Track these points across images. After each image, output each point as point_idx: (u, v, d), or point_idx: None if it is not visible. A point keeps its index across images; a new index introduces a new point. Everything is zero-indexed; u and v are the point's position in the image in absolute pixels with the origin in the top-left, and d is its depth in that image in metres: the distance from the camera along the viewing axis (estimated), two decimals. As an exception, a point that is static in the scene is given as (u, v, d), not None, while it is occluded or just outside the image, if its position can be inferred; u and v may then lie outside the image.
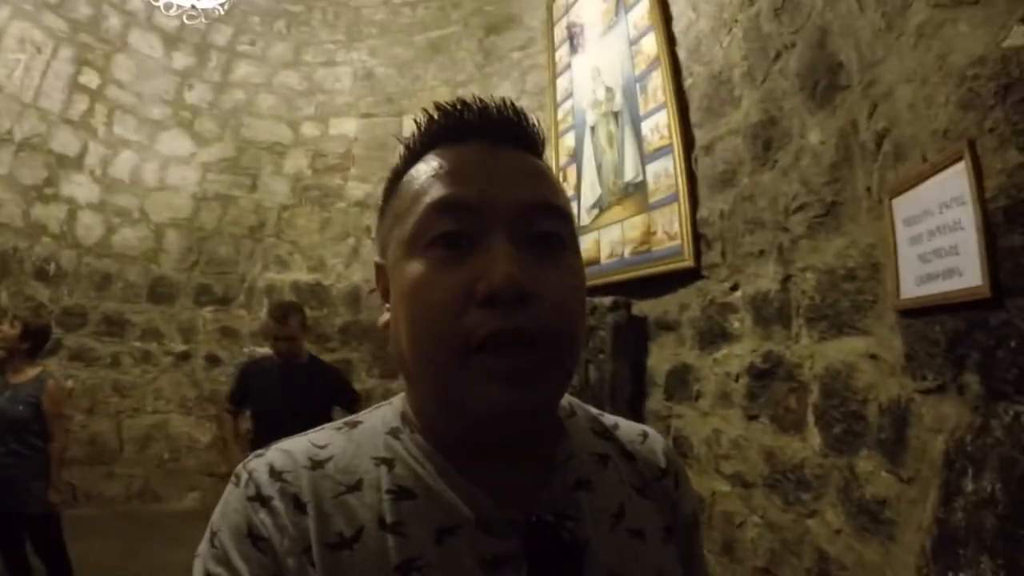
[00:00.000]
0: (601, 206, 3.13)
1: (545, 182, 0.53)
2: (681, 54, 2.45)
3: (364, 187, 5.01)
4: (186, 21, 3.71)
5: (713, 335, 2.20)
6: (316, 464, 0.51)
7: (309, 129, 5.05)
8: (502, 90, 4.14)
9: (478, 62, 4.30)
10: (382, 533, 0.48)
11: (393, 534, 0.48)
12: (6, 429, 2.78)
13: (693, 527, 0.62)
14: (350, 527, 0.48)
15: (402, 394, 0.58)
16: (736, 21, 2.03)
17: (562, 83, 3.50)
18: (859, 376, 1.41)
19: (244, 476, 0.51)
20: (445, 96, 4.44)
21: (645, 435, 0.64)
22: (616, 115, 2.95)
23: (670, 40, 2.50)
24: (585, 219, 3.23)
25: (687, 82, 2.41)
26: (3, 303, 3.51)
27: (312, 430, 0.56)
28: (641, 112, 2.69)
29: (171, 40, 4.55)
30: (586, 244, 3.15)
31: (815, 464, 1.56)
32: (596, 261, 3.08)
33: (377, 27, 4.68)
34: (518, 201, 0.50)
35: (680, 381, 2.41)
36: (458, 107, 0.53)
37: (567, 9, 3.47)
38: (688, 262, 2.37)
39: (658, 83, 2.53)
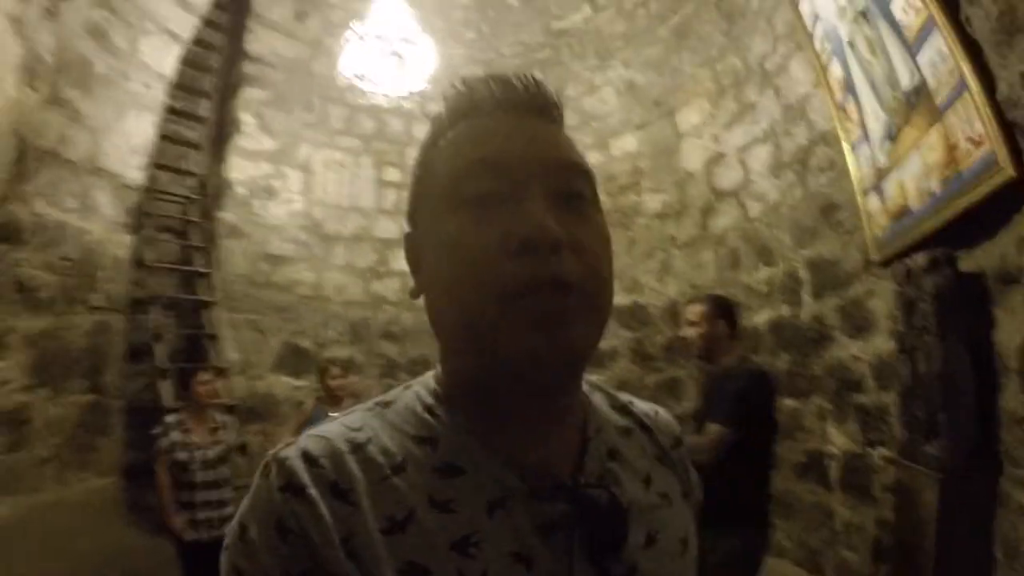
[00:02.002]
0: (891, 135, 2.38)
1: (568, 145, 0.55)
2: None
3: (659, 196, 4.84)
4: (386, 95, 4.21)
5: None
6: (356, 447, 0.49)
7: (593, 158, 5.14)
8: (756, 47, 3.58)
9: (723, 29, 3.83)
10: (434, 512, 0.47)
11: (445, 512, 0.48)
12: None
13: (699, 493, 0.66)
14: (401, 510, 0.47)
15: (431, 372, 0.58)
16: None
17: (805, 9, 2.84)
18: None
19: (274, 466, 0.48)
20: (707, 80, 4.08)
21: (656, 411, 0.67)
22: (864, 14, 2.28)
23: None
24: (881, 159, 2.48)
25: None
26: (359, 360, 4.46)
27: (341, 413, 0.56)
28: (884, -8, 2.04)
29: (449, 122, 5.29)
30: (890, 191, 2.42)
31: None
32: (906, 211, 2.31)
33: (621, 39, 4.62)
34: (547, 159, 0.51)
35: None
36: (484, 82, 0.56)
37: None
38: (1007, 171, 1.63)
39: (886, -55, 1.87)
